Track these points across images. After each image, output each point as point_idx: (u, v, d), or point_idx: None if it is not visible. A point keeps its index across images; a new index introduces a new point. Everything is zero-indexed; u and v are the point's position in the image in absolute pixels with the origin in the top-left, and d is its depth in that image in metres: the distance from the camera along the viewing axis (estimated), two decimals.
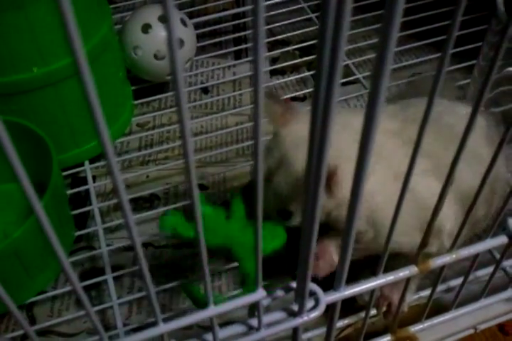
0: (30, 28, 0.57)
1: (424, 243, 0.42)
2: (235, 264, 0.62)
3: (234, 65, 0.90)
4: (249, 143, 0.77)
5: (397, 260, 0.47)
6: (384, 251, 0.39)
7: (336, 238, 0.52)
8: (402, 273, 0.42)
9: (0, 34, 0.57)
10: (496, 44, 0.30)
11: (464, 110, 0.56)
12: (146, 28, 0.75)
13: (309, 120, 0.25)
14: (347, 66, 0.85)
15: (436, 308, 0.54)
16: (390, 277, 0.42)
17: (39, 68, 0.59)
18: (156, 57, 0.76)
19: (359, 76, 0.83)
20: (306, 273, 0.35)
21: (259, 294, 0.35)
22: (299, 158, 0.48)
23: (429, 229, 0.40)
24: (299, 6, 0.95)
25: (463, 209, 0.49)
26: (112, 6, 0.93)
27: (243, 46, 0.92)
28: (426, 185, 0.49)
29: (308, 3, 0.95)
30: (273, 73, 0.90)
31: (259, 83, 0.23)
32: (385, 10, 0.22)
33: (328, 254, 0.53)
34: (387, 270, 0.41)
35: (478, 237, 0.65)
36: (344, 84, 0.84)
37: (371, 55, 0.88)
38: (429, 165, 0.50)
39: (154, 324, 0.33)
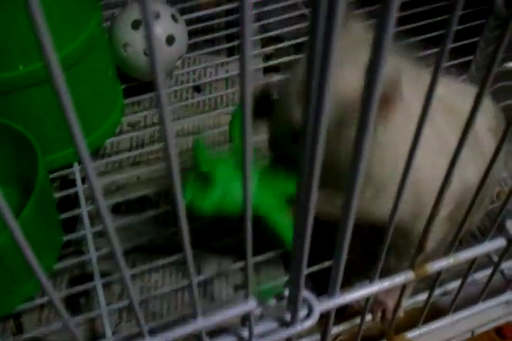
0: (16, 24, 0.56)
1: (420, 246, 0.41)
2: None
3: (227, 62, 0.89)
4: None
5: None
6: (384, 242, 0.37)
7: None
8: (398, 278, 0.41)
9: None
10: (496, 39, 0.28)
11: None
12: (136, 25, 0.73)
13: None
14: None
15: (433, 312, 0.53)
16: (385, 283, 0.41)
17: (25, 66, 0.58)
18: (146, 54, 0.74)
19: None
20: (299, 280, 0.33)
21: (250, 305, 0.34)
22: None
23: (427, 230, 0.39)
24: (293, 2, 0.93)
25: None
26: (102, 2, 0.91)
27: (236, 43, 0.91)
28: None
29: None
30: (267, 70, 0.88)
31: (247, 83, 0.22)
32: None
33: None
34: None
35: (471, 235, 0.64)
36: None
37: None
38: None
39: (139, 334, 0.32)
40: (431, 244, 0.51)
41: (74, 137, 0.21)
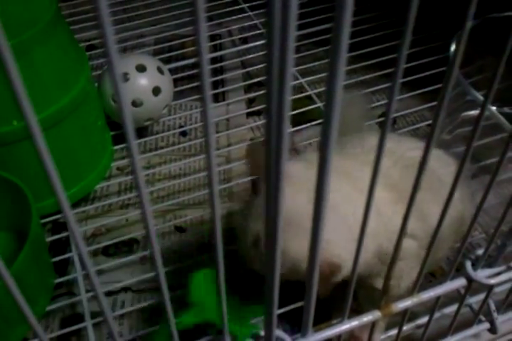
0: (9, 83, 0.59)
1: (385, 289, 0.44)
2: None
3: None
4: (227, 185, 0.79)
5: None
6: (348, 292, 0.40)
7: None
8: (366, 318, 0.44)
9: None
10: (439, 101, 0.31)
11: (446, 157, 0.58)
12: (124, 77, 0.78)
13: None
14: (319, 108, 0.88)
15: None
16: (354, 322, 0.44)
17: (18, 121, 0.61)
18: (134, 104, 0.78)
19: None
20: (272, 320, 0.36)
21: None
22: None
23: (388, 275, 0.42)
24: None
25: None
26: (91, 52, 0.96)
27: (220, 90, 0.95)
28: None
29: None
30: (250, 114, 0.93)
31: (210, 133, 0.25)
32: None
33: None
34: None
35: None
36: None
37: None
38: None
39: None
40: (405, 284, 0.54)
41: (55, 190, 0.23)
